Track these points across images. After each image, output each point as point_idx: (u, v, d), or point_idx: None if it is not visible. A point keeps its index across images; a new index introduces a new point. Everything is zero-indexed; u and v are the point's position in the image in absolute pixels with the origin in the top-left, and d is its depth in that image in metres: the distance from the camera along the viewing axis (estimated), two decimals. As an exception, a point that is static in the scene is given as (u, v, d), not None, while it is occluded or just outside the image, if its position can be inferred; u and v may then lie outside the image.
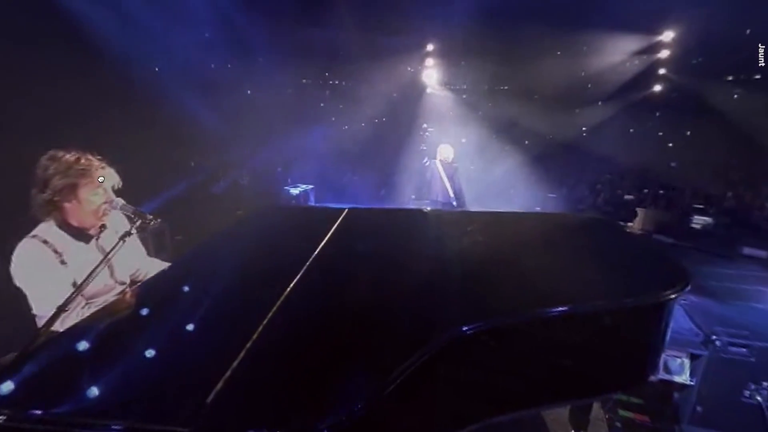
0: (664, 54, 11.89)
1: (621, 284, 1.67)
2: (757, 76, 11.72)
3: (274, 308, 1.31)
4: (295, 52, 9.80)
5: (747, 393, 2.32)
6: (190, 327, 1.29)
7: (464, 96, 13.11)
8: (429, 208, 4.52)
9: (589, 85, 12.90)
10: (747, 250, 6.11)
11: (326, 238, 1.98)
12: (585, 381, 1.53)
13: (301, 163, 10.21)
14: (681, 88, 12.42)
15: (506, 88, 13.35)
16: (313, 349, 1.20)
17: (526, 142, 12.10)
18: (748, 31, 9.87)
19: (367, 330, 1.30)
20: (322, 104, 12.67)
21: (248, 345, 1.12)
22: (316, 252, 1.80)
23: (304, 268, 1.63)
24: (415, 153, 10.23)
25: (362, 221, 2.53)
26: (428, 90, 12.57)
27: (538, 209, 8.41)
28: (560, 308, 1.37)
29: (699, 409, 2.40)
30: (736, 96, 12.11)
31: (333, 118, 12.67)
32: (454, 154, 5.54)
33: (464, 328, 1.23)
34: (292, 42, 9.46)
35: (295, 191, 8.48)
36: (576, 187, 10.50)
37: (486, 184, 10.09)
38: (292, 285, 1.47)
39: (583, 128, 14.13)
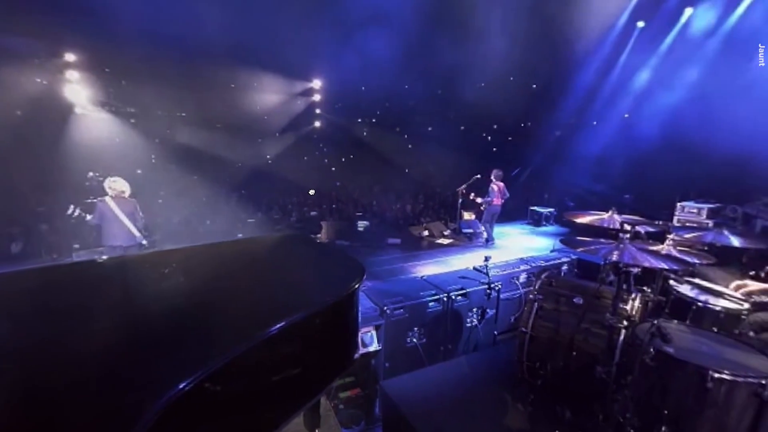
0: (317, 97, 14.96)
1: (321, 287, 1.94)
2: (374, 119, 16.94)
3: None
4: None
5: (408, 339, 3.27)
6: None
7: (132, 120, 11.33)
8: (105, 257, 3.56)
9: (266, 117, 14.32)
10: (390, 240, 8.72)
11: None
12: (313, 380, 1.67)
13: None
14: (334, 125, 16.04)
15: (184, 114, 12.64)
16: None
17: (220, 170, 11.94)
18: (363, 88, 14.04)
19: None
20: None
21: None
22: None
23: None
24: (76, 191, 7.90)
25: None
26: (77, 110, 9.98)
27: (240, 235, 8.47)
28: (278, 325, 1.42)
29: (387, 365, 3.16)
30: (365, 133, 16.97)
31: None
32: (130, 187, 4.66)
33: (181, 386, 1.05)
34: None
35: None
36: (270, 210, 11.36)
37: (180, 217, 9.16)
38: None
39: (268, 156, 15.54)
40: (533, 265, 4.18)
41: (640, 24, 10.05)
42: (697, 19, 8.93)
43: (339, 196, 13.61)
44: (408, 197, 13.52)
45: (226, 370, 1.21)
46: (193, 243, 2.66)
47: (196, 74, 11.05)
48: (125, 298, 1.80)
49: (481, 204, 8.02)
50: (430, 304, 3.36)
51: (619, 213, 3.14)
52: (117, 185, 4.52)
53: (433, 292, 3.44)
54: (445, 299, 3.42)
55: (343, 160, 17.50)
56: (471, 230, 8.98)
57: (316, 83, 14.42)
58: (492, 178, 7.96)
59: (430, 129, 15.94)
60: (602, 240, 2.41)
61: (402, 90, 13.92)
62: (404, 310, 3.22)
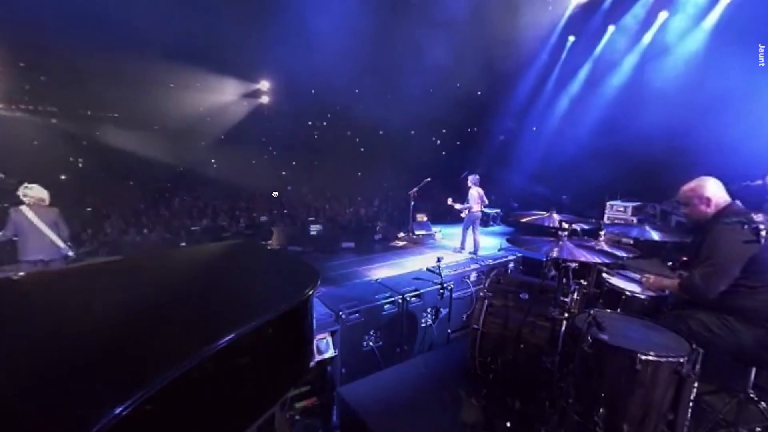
0: (265, 99, 14.52)
1: (273, 295, 1.87)
2: (325, 123, 16.77)
3: None
4: None
5: (364, 343, 3.25)
6: None
7: (54, 120, 10.26)
8: (23, 274, 3.17)
9: (209, 119, 13.65)
10: (344, 244, 8.65)
11: None
12: (267, 392, 1.59)
13: None
14: (284, 128, 15.63)
15: (117, 115, 11.68)
16: None
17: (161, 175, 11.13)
18: (312, 91, 13.85)
19: None
20: None
21: None
22: None
23: None
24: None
25: None
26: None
27: (183, 244, 7.97)
28: (227, 337, 1.34)
29: (343, 370, 3.12)
30: (316, 136, 16.74)
31: None
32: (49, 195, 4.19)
33: (117, 410, 0.95)
34: None
35: None
36: (216, 216, 10.80)
37: (113, 227, 8.40)
38: None
39: (213, 160, 14.80)
40: (483, 264, 4.35)
41: (571, 38, 10.96)
42: (618, 35, 9.93)
43: (290, 201, 13.28)
44: (362, 200, 13.53)
45: (171, 390, 1.12)
46: (129, 254, 2.44)
47: (130, 72, 10.25)
48: (48, 318, 1.61)
49: (460, 211, 7.76)
50: (386, 306, 3.37)
51: (558, 212, 3.38)
52: (33, 192, 4.06)
53: (388, 294, 3.45)
54: (399, 301, 3.45)
55: (294, 163, 17.13)
56: (424, 231, 9.18)
57: (264, 84, 14.00)
58: (470, 184, 7.67)
59: (381, 133, 16.11)
60: (544, 238, 2.57)
61: (353, 94, 13.95)
62: (360, 314, 3.20)
